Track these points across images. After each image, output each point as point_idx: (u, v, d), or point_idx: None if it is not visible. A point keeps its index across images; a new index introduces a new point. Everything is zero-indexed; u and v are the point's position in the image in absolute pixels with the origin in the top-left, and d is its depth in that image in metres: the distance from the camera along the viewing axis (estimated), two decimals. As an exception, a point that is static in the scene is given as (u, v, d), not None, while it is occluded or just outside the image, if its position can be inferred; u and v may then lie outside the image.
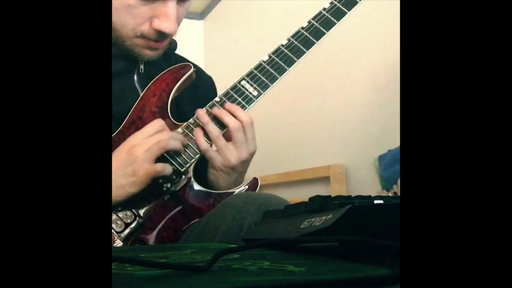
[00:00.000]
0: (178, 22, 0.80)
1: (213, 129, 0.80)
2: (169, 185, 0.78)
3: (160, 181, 0.77)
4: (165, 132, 0.76)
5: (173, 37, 0.88)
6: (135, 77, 0.85)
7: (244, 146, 0.81)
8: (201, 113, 0.81)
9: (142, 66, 0.86)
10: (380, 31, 1.49)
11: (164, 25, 0.77)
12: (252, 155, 0.83)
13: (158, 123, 0.77)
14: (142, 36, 0.79)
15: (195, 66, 0.99)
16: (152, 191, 0.76)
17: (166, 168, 0.75)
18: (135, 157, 0.72)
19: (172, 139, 0.75)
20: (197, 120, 0.81)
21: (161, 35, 0.79)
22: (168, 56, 0.92)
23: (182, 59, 0.98)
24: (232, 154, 0.80)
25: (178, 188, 0.78)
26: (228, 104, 0.82)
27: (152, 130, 0.76)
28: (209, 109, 0.82)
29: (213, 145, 0.82)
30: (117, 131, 0.79)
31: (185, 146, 0.79)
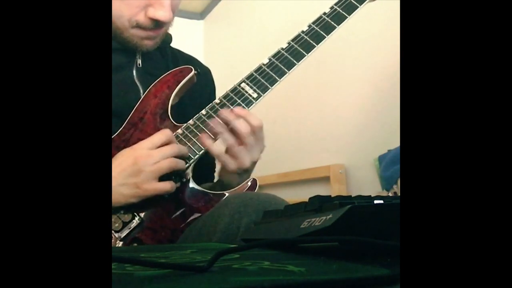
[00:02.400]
0: (173, 10, 0.80)
1: (228, 137, 0.80)
2: None
3: None
4: (172, 146, 0.76)
5: (169, 32, 0.89)
6: (134, 72, 0.86)
7: (256, 147, 0.81)
8: (215, 123, 0.80)
9: (139, 61, 0.87)
10: (380, 32, 1.49)
11: (159, 13, 0.78)
12: (261, 153, 0.84)
13: (165, 134, 0.76)
14: (138, 26, 0.79)
15: (193, 59, 1.00)
16: None
17: (173, 187, 0.75)
18: (141, 170, 0.72)
19: (179, 156, 0.76)
20: (197, 122, 0.82)
21: (157, 24, 0.80)
22: (164, 49, 0.93)
23: (177, 52, 0.99)
24: (245, 157, 0.80)
25: (176, 187, 0.78)
26: (238, 109, 0.81)
27: (159, 141, 0.75)
28: (209, 111, 0.83)
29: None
30: (118, 132, 0.79)
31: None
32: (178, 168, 0.76)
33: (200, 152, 0.80)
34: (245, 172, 0.83)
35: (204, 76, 1.00)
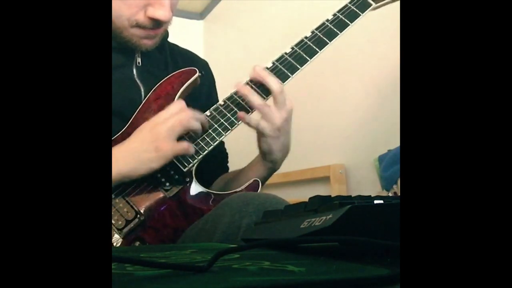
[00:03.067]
0: (172, 9, 0.80)
1: (257, 98, 0.83)
2: (168, 184, 0.78)
3: (159, 175, 0.77)
4: (186, 112, 0.78)
5: (167, 29, 0.89)
6: (134, 71, 0.86)
7: (284, 105, 0.85)
8: (241, 86, 0.83)
9: (139, 59, 0.87)
10: (381, 32, 1.49)
11: (159, 13, 0.78)
12: (291, 112, 0.88)
13: (180, 103, 0.79)
14: (138, 26, 0.79)
15: (191, 55, 1.00)
16: (154, 189, 0.77)
17: (190, 148, 0.77)
18: (158, 134, 0.75)
19: (193, 119, 0.78)
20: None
21: (157, 23, 0.80)
22: (162, 46, 0.93)
23: (175, 47, 0.99)
24: (276, 115, 0.84)
25: (179, 187, 0.79)
26: (259, 69, 0.84)
27: (175, 109, 0.78)
28: (213, 112, 0.84)
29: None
30: (121, 131, 0.79)
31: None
32: (193, 127, 0.78)
33: (204, 152, 0.80)
34: (280, 132, 0.85)
35: (204, 70, 1.00)
